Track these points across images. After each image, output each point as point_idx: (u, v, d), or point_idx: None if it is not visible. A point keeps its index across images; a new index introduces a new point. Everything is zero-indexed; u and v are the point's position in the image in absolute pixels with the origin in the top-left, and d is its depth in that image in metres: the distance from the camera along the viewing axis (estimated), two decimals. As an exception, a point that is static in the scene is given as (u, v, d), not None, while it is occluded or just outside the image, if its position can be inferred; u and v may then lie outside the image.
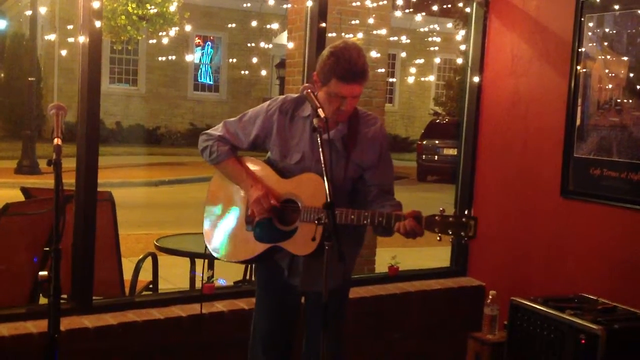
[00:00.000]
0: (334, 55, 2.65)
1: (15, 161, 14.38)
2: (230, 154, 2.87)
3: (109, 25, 12.65)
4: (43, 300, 3.69)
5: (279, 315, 2.94)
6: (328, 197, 2.39)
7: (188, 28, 11.38)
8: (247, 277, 4.61)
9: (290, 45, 5.57)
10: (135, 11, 11.85)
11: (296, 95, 2.87)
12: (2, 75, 21.59)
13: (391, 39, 6.15)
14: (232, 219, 2.89)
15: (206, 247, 2.96)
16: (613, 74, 3.83)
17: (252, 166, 2.86)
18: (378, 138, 2.82)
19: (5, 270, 3.66)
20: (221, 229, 2.92)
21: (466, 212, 2.55)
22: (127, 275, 4.23)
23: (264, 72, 20.77)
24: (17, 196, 4.36)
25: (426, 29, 13.54)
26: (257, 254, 2.80)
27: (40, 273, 2.29)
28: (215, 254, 2.98)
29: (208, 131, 2.95)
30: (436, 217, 2.52)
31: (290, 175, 2.78)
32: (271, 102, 2.88)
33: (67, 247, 3.20)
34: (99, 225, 3.54)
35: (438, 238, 2.54)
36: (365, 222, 2.59)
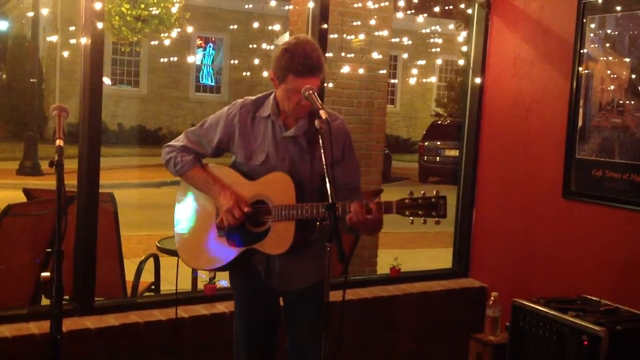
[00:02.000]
0: (288, 51, 2.66)
1: (17, 162, 14.39)
2: (195, 163, 2.86)
3: (104, 26, 12.65)
4: (45, 302, 3.69)
5: (259, 318, 2.92)
6: (330, 197, 2.39)
7: (190, 29, 11.38)
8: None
9: (292, 46, 5.56)
10: (129, 12, 11.81)
11: (254, 97, 2.87)
12: (4, 76, 21.61)
13: (393, 40, 6.15)
14: (203, 227, 2.86)
15: (178, 257, 2.93)
16: (615, 75, 3.83)
17: (218, 172, 2.85)
18: (341, 134, 2.80)
19: (8, 271, 3.66)
20: (193, 239, 2.90)
21: (435, 192, 2.54)
22: (129, 276, 4.23)
23: (265, 74, 20.69)
24: (19, 197, 4.35)
25: (428, 31, 13.53)
26: (232, 259, 2.79)
27: (43, 274, 2.30)
28: (189, 264, 2.98)
29: (170, 143, 2.94)
30: (406, 201, 2.53)
31: (257, 176, 2.77)
32: (231, 106, 2.88)
33: (69, 249, 3.21)
34: (101, 226, 3.54)
35: (410, 221, 2.54)
36: (307, 214, 2.58)
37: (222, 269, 2.89)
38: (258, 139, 2.80)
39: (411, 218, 2.53)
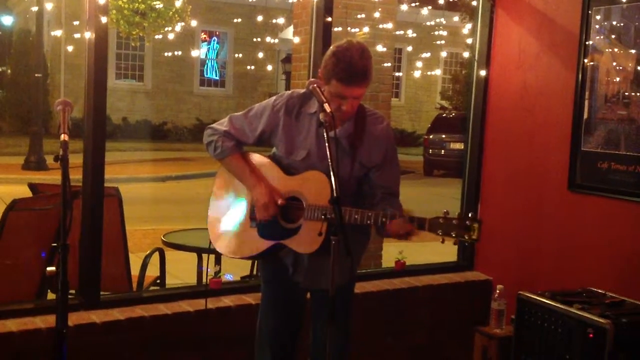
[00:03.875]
0: (335, 55, 2.64)
1: (22, 157, 14.43)
2: (235, 150, 2.85)
3: None
4: (51, 296, 3.71)
5: (285, 312, 2.94)
6: (334, 192, 2.39)
7: (194, 23, 11.35)
8: (254, 272, 4.62)
9: (296, 40, 5.56)
10: (126, 5, 11.73)
11: (303, 91, 2.85)
12: (9, 71, 21.65)
13: (397, 33, 6.14)
14: (237, 214, 2.88)
15: (210, 242, 2.96)
16: (621, 67, 3.81)
17: (257, 163, 2.85)
18: (384, 137, 2.81)
19: (14, 265, 3.67)
20: (226, 225, 2.91)
21: (470, 214, 2.51)
22: (135, 270, 4.24)
23: (270, 67, 20.76)
24: (25, 192, 4.37)
25: (432, 23, 13.52)
26: (261, 251, 2.80)
27: (48, 268, 2.30)
28: (219, 250, 2.99)
29: (213, 125, 2.92)
30: (440, 220, 2.51)
31: (295, 172, 2.77)
32: (277, 98, 2.86)
33: (74, 243, 3.21)
34: (106, 220, 3.55)
35: (441, 240, 2.52)
36: (368, 222, 2.58)
37: (251, 258, 2.90)
38: (301, 135, 2.78)
39: (442, 238, 2.51)
